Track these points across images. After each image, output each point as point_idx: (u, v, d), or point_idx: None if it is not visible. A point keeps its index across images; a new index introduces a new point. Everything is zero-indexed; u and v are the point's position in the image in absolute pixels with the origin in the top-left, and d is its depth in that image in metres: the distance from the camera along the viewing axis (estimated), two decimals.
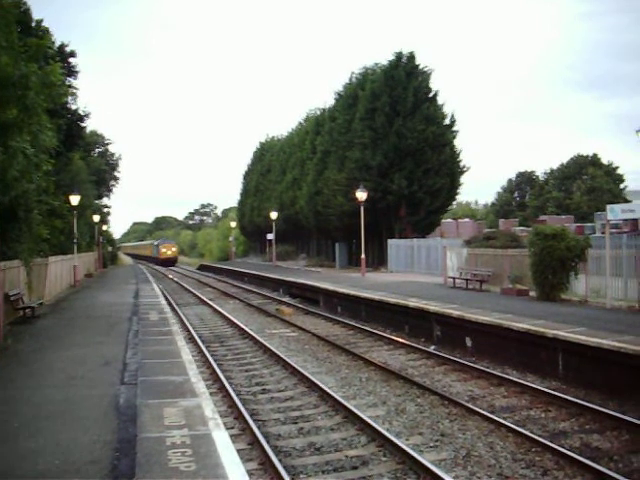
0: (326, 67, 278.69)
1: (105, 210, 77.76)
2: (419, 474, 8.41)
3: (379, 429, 10.04)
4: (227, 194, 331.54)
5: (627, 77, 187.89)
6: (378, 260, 45.39)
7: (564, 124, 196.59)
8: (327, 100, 57.81)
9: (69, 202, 35.24)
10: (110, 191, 74.27)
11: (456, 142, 44.18)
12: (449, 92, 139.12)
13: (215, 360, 16.41)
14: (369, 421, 10.47)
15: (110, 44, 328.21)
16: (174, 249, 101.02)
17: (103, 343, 15.03)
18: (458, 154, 44.12)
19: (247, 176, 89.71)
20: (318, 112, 58.40)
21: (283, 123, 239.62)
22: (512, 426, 10.31)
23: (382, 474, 8.61)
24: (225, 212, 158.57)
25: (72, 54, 35.71)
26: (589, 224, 55.22)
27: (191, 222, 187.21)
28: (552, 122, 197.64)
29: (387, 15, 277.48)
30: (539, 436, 9.84)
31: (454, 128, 44.32)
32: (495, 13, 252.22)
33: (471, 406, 11.64)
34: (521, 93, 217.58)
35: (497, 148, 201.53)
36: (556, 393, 12.37)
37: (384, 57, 45.33)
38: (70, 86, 35.18)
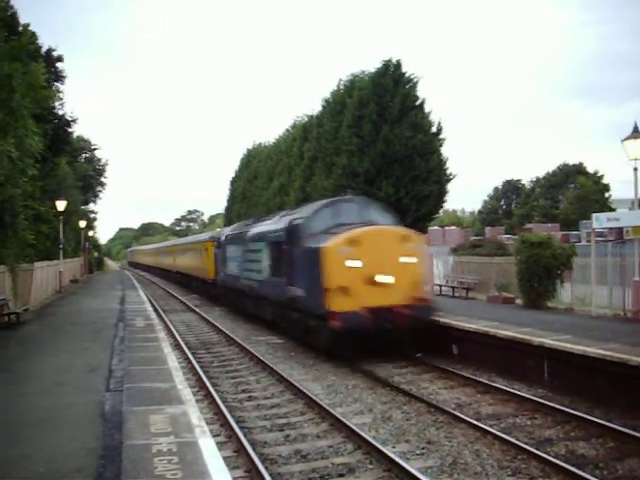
0: (313, 74, 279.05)
1: (91, 216, 77.51)
2: None
3: (365, 437, 10.03)
4: (214, 200, 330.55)
5: (615, 86, 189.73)
6: None
7: (551, 132, 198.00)
8: (315, 107, 58.02)
9: (55, 207, 35.13)
10: (96, 197, 74.09)
11: (443, 150, 44.29)
12: (437, 100, 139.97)
13: (201, 367, 16.36)
14: (355, 429, 10.46)
15: (97, 49, 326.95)
16: (415, 261, 17.13)
17: (89, 349, 14.95)
18: (445, 162, 44.23)
19: (234, 182, 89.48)
20: (306, 119, 58.43)
21: (270, 130, 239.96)
22: (498, 434, 10.32)
23: None
24: (212, 218, 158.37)
25: (59, 59, 35.65)
26: (574, 232, 55.61)
27: (178, 228, 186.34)
28: (539, 130, 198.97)
29: (379, 20, 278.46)
30: (525, 443, 9.86)
31: (441, 136, 44.43)
32: (482, 22, 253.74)
33: (457, 414, 11.65)
34: (508, 101, 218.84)
35: (483, 156, 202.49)
36: (542, 400, 12.41)
37: (372, 64, 45.29)
38: (58, 91, 35.14)
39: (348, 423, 10.79)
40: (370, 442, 9.76)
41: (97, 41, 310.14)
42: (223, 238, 32.63)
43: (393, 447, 9.94)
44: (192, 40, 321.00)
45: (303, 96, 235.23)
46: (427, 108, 44.45)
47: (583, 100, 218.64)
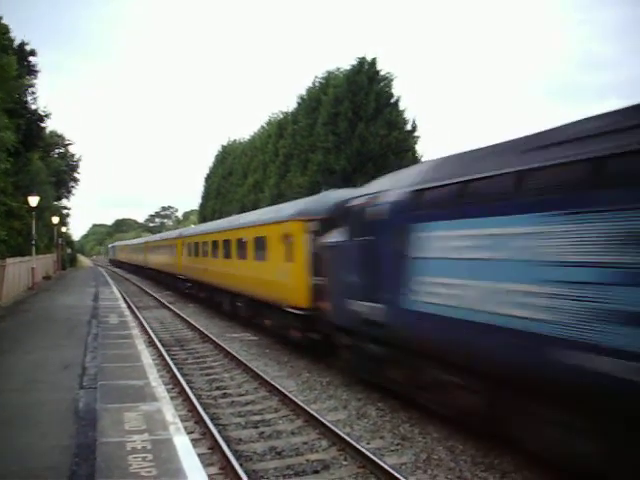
0: (289, 70, 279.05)
1: (64, 212, 76.76)
2: (380, 478, 8.46)
3: (340, 433, 10.07)
4: (188, 197, 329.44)
5: (591, 87, 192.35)
6: None
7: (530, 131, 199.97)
8: (290, 104, 57.62)
9: (28, 203, 34.74)
10: (70, 192, 73.37)
11: (418, 147, 44.48)
12: (413, 97, 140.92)
13: (175, 364, 16.29)
14: (330, 425, 10.50)
15: (71, 44, 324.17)
16: None
17: (62, 346, 14.84)
18: (420, 160, 44.41)
19: (209, 179, 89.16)
20: (281, 115, 58.41)
21: (245, 126, 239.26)
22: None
23: (343, 478, 8.64)
24: (186, 215, 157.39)
25: (32, 53, 35.26)
26: None
27: (151, 224, 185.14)
28: (519, 129, 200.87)
29: (356, 15, 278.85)
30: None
31: (416, 133, 44.63)
32: (462, 20, 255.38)
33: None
34: (490, 100, 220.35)
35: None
36: None
37: (347, 61, 45.44)
38: (30, 85, 34.75)
39: (323, 420, 10.82)
40: (344, 439, 9.80)
41: (72, 36, 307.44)
42: (389, 204, 11.45)
43: (368, 443, 9.99)
44: (166, 37, 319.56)
45: (278, 92, 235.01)
46: (402, 106, 44.75)
47: (557, 101, 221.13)
